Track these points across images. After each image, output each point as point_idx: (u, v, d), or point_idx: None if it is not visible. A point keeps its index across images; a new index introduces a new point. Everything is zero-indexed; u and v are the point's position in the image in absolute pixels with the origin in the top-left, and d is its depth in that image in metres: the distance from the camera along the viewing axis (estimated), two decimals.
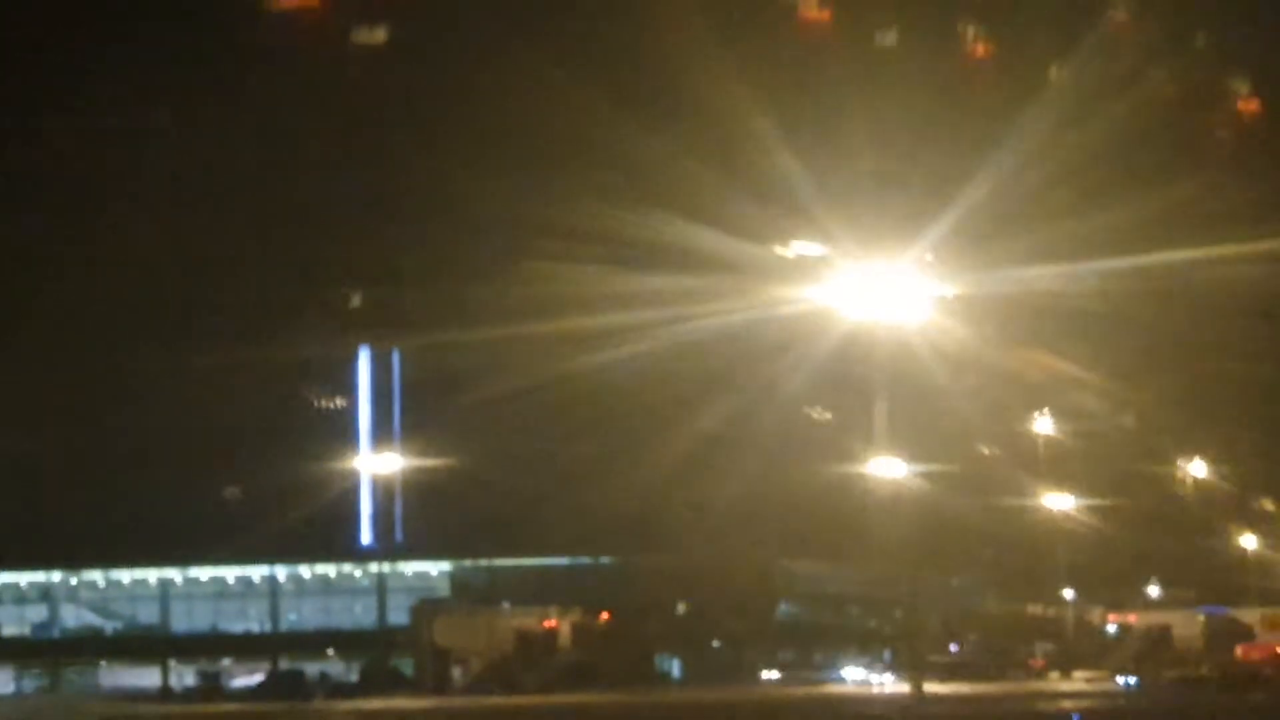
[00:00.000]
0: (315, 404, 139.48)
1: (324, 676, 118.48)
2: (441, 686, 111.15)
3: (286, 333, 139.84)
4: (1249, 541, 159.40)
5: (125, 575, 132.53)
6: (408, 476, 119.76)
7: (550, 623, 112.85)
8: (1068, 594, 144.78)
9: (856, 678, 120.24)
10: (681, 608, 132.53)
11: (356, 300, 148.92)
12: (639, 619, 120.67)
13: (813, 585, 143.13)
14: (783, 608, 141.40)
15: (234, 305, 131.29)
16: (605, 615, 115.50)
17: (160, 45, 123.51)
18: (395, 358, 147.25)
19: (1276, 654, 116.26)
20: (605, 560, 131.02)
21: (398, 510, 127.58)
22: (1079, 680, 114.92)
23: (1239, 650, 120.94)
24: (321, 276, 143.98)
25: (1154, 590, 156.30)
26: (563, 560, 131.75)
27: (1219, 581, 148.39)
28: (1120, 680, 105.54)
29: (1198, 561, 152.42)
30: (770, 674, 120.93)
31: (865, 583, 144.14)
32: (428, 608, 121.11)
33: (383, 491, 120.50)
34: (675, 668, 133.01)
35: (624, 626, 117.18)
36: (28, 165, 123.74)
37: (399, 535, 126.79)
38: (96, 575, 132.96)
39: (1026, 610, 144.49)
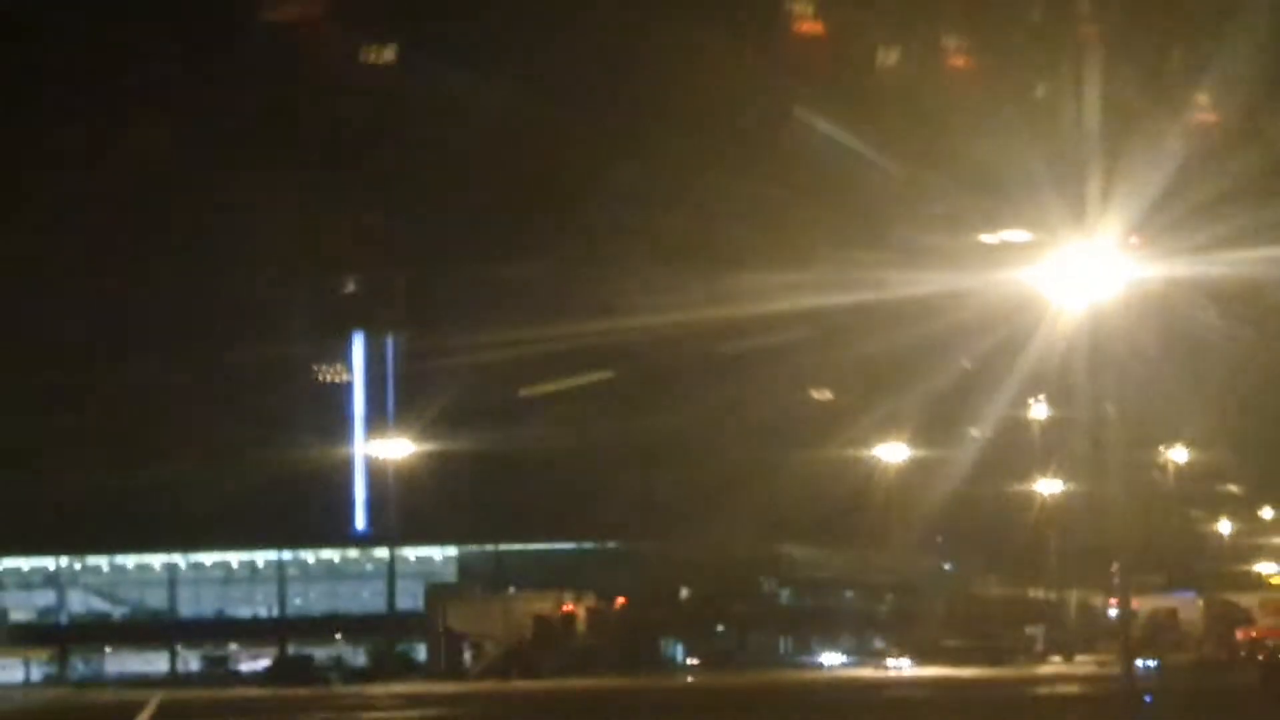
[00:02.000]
0: (320, 388, 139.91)
1: (340, 661, 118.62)
2: (456, 671, 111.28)
3: (291, 320, 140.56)
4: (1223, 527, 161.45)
5: (131, 560, 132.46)
6: (419, 461, 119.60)
7: (569, 608, 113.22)
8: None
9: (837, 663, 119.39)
10: (685, 592, 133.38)
11: (351, 285, 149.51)
12: (647, 604, 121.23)
13: (812, 569, 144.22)
14: (784, 592, 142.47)
15: (243, 293, 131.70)
16: (622, 600, 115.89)
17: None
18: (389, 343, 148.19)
19: (1276, 637, 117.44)
20: (611, 545, 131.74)
21: (393, 495, 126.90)
22: (1089, 664, 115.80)
23: (1239, 634, 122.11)
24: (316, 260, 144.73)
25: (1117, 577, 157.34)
26: (568, 545, 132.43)
27: (1188, 567, 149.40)
28: (1139, 663, 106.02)
29: (1166, 547, 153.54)
30: (692, 661, 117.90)
31: (863, 567, 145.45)
32: (440, 592, 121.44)
33: (392, 476, 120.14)
34: (679, 652, 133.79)
35: (634, 612, 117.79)
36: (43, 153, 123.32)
37: (405, 520, 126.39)
38: (102, 560, 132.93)
39: (1027, 594, 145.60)
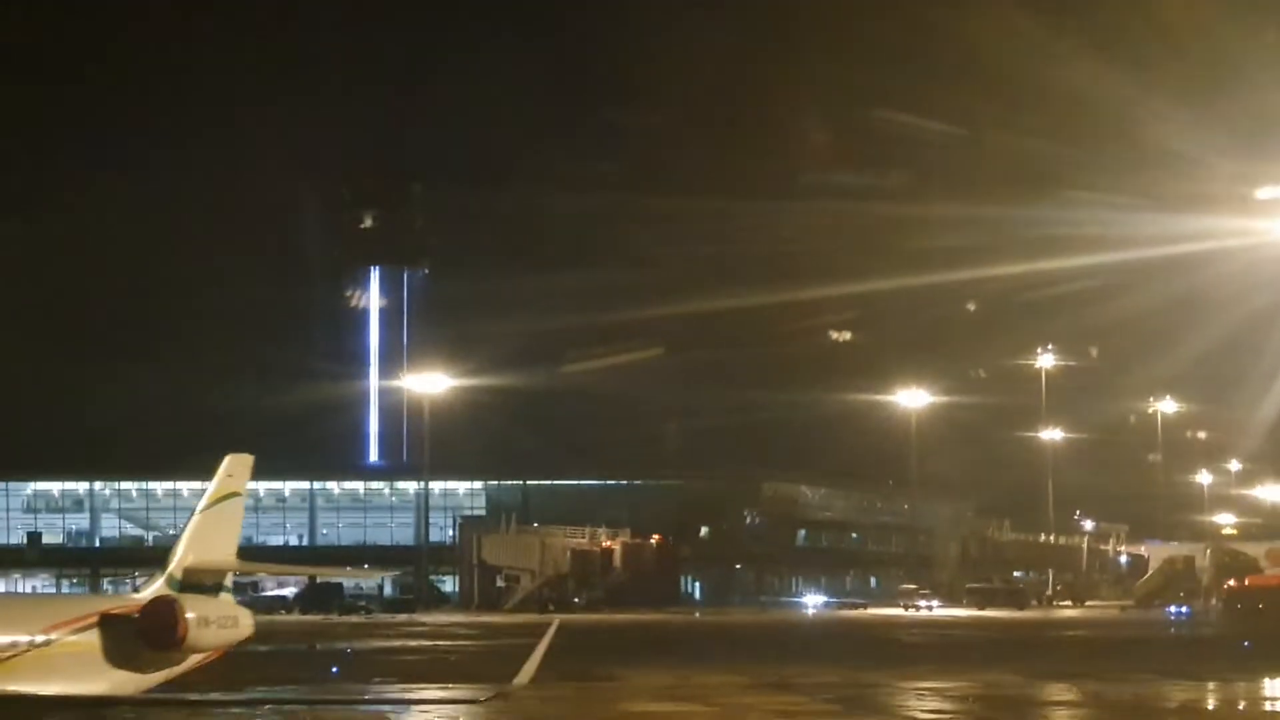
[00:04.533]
0: (351, 319, 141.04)
1: (380, 591, 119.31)
2: (490, 603, 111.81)
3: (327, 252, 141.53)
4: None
5: (161, 486, 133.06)
6: (450, 396, 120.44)
7: (608, 543, 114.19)
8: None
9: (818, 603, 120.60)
10: (705, 531, 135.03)
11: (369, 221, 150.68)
12: (674, 542, 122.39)
13: (826, 511, 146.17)
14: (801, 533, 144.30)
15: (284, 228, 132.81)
16: (657, 538, 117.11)
17: None
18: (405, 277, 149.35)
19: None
20: (638, 483, 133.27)
21: (425, 428, 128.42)
22: (1111, 608, 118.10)
23: (1248, 582, 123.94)
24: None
25: (1087, 523, 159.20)
26: (594, 482, 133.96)
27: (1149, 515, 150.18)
28: (1172, 609, 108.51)
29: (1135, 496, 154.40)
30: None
31: (874, 509, 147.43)
32: (473, 525, 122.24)
33: (424, 410, 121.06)
34: (696, 589, 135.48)
35: (669, 549, 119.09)
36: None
37: (433, 454, 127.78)
38: (133, 485, 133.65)
39: (1041, 539, 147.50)
